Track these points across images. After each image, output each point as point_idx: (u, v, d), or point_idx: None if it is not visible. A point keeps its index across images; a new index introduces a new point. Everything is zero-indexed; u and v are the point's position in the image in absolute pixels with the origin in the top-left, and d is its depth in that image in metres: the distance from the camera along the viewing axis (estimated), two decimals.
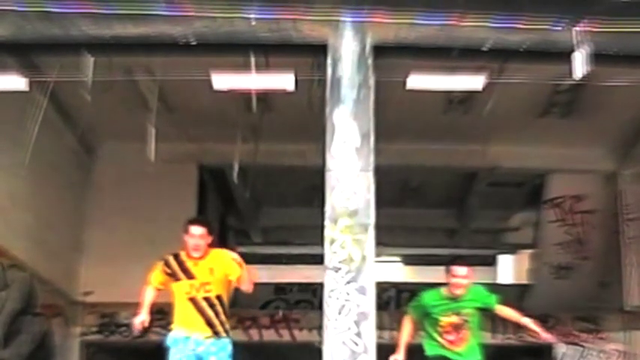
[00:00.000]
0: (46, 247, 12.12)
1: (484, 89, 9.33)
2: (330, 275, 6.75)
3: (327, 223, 6.85)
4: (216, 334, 6.36)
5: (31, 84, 8.88)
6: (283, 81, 8.88)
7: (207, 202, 15.19)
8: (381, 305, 13.74)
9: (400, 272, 20.87)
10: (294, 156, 13.45)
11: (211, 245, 6.53)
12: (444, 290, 7.06)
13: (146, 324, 6.31)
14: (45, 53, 8.27)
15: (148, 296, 6.49)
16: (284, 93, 9.45)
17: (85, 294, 13.44)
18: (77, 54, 7.63)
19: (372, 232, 6.85)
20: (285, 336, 14.79)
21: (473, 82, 9.04)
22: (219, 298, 6.39)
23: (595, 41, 7.09)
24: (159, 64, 9.59)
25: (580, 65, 7.11)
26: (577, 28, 7.09)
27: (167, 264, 6.50)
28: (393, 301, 18.92)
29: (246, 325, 14.75)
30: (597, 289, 14.97)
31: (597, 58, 7.08)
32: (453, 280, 6.94)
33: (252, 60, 7.87)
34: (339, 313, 6.67)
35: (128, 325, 5.90)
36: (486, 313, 7.29)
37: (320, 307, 6.98)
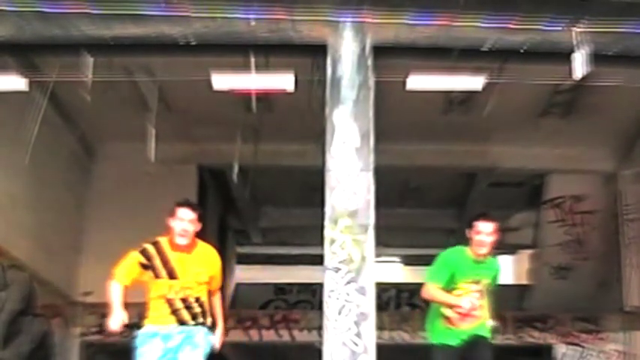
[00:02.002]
0: (46, 247, 12.12)
1: (484, 89, 9.33)
2: (329, 275, 6.74)
3: (327, 223, 6.85)
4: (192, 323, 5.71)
5: (31, 84, 8.88)
6: (283, 81, 8.87)
7: (207, 203, 15.18)
8: (381, 306, 13.80)
9: (400, 272, 20.89)
10: (294, 156, 13.46)
11: (199, 236, 5.84)
12: (466, 250, 6.17)
13: (126, 321, 5.49)
14: (45, 53, 8.27)
15: (118, 294, 5.58)
16: (284, 93, 9.45)
17: (85, 294, 13.42)
18: (77, 54, 7.64)
19: (371, 233, 6.85)
20: (285, 336, 14.78)
21: (473, 82, 9.03)
22: (197, 299, 5.68)
23: (595, 42, 7.10)
24: (159, 65, 9.59)
25: (580, 65, 7.11)
26: (577, 29, 7.10)
27: (146, 255, 5.67)
28: (392, 301, 18.96)
29: (246, 325, 14.73)
30: (597, 290, 14.97)
31: (597, 58, 7.08)
32: (477, 238, 6.07)
33: (252, 60, 7.87)
34: (339, 314, 6.67)
35: (128, 326, 5.58)
36: None
37: (320, 307, 6.98)
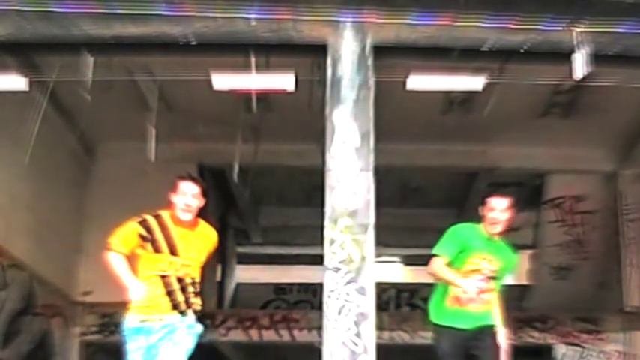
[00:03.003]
0: (46, 247, 12.12)
1: (484, 90, 9.33)
2: (329, 275, 6.74)
3: (326, 223, 6.84)
4: (179, 312, 5.33)
5: (31, 84, 8.88)
6: (283, 81, 8.88)
7: (207, 202, 15.16)
8: (381, 305, 13.81)
9: (400, 272, 20.88)
10: (294, 156, 13.46)
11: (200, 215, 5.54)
12: (479, 226, 5.81)
13: (144, 290, 5.17)
14: (45, 53, 8.27)
15: (124, 264, 5.25)
16: (284, 93, 9.45)
17: (85, 294, 13.44)
18: (77, 54, 7.63)
19: (371, 233, 6.84)
20: (285, 336, 14.78)
21: (473, 82, 9.04)
22: (193, 282, 5.37)
23: (595, 42, 7.10)
24: (159, 64, 9.59)
25: (580, 66, 7.11)
26: (577, 29, 7.09)
27: (145, 226, 5.31)
28: (392, 301, 18.97)
29: (246, 325, 14.74)
30: (597, 290, 14.97)
31: (597, 58, 7.08)
32: (490, 215, 5.68)
33: (253, 60, 7.86)
34: (339, 314, 6.66)
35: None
36: None
37: (320, 307, 6.98)
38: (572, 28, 7.10)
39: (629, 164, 14.03)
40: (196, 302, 5.38)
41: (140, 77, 10.29)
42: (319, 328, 7.01)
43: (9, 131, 10.49)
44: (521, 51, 7.38)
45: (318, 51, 7.43)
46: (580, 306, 14.72)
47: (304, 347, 13.35)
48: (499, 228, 5.73)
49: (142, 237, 5.29)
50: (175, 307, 5.26)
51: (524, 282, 17.07)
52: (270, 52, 7.83)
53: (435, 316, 5.91)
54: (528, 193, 16.21)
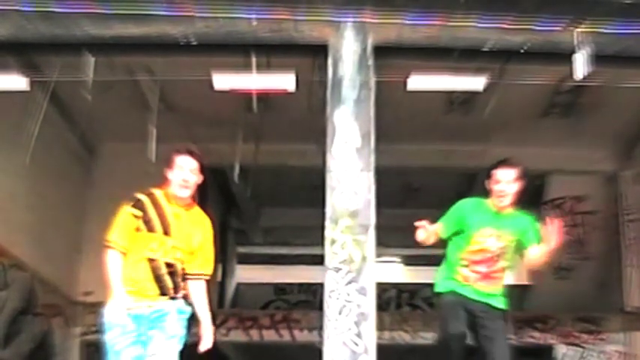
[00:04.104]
0: (47, 247, 12.12)
1: (485, 90, 9.33)
2: (330, 276, 6.74)
3: (327, 223, 6.84)
4: (170, 298, 4.98)
5: (31, 83, 8.89)
6: (284, 81, 8.88)
7: (208, 202, 15.18)
8: (382, 306, 13.79)
9: (400, 273, 20.89)
10: (294, 156, 13.46)
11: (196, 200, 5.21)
12: (486, 200, 5.55)
13: (130, 304, 4.78)
14: (46, 53, 8.27)
15: (119, 269, 4.85)
16: (285, 93, 9.45)
17: (85, 294, 13.41)
18: (78, 54, 7.64)
19: (372, 233, 6.84)
20: (286, 336, 14.77)
21: (474, 82, 9.04)
22: (183, 272, 5.01)
23: (596, 42, 7.10)
24: (160, 64, 9.60)
25: (581, 66, 7.11)
26: (578, 29, 7.09)
27: (139, 206, 4.96)
28: (393, 301, 18.97)
29: (247, 325, 14.73)
30: (597, 290, 14.97)
31: (598, 59, 7.08)
32: (496, 188, 5.41)
33: (253, 60, 7.87)
34: (340, 314, 6.66)
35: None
36: None
37: (320, 307, 6.98)
38: (572, 28, 7.10)
39: (629, 164, 14.03)
40: (185, 286, 5.04)
41: (141, 77, 10.29)
42: (320, 329, 7.01)
43: (9, 131, 10.49)
44: (522, 51, 7.39)
45: (318, 51, 7.43)
46: (580, 306, 14.71)
47: (305, 347, 13.35)
48: (507, 201, 5.46)
49: (137, 217, 4.97)
50: (164, 293, 4.89)
51: (525, 282, 17.08)
52: (270, 52, 7.84)
53: (439, 285, 5.73)
54: (529, 193, 16.21)
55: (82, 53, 7.63)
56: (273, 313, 15.82)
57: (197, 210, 5.16)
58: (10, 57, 8.32)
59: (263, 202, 17.53)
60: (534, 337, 14.59)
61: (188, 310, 5.05)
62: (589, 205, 15.03)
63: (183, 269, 4.99)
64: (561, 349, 14.60)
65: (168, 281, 4.91)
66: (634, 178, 14.02)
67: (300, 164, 13.36)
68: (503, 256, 5.47)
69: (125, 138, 12.73)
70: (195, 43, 7.37)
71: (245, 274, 19.73)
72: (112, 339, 4.80)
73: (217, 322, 14.26)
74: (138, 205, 4.98)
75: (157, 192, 5.03)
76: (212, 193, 15.62)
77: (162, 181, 5.06)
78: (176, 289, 4.96)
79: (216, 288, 17.30)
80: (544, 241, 5.36)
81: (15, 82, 8.61)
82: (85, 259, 13.56)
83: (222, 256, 17.62)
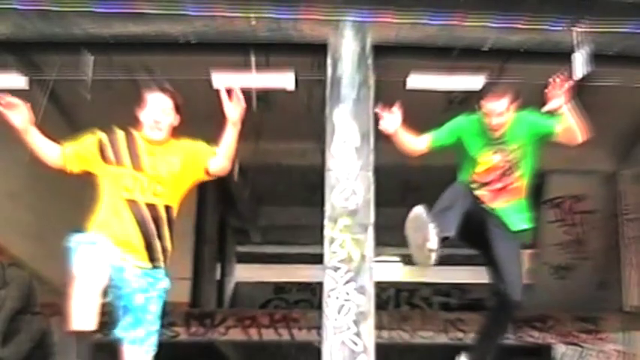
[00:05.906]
0: (46, 245, 12.11)
1: (484, 89, 9.32)
2: (329, 275, 6.74)
3: (326, 222, 6.85)
4: (153, 261, 4.12)
5: (31, 82, 8.89)
6: (283, 80, 8.89)
7: (207, 202, 15.18)
8: (380, 305, 13.80)
9: (399, 272, 20.89)
10: (294, 155, 13.44)
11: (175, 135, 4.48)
12: (483, 121, 5.00)
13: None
14: (45, 52, 8.28)
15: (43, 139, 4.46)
16: (284, 92, 9.46)
17: None
18: (77, 53, 7.65)
19: (371, 232, 6.85)
20: (285, 335, 14.76)
21: (473, 82, 9.04)
22: (168, 210, 4.17)
23: (595, 42, 7.10)
24: (159, 63, 9.58)
25: (580, 66, 7.12)
26: (577, 29, 7.10)
27: (111, 136, 4.35)
28: (392, 300, 18.96)
29: (246, 324, 14.72)
30: (596, 290, 14.97)
31: (597, 58, 7.08)
32: (487, 121, 4.93)
33: (253, 59, 7.87)
34: (339, 313, 6.66)
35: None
36: None
37: (319, 306, 6.98)
38: (572, 28, 7.11)
39: (628, 164, 14.02)
40: (168, 249, 4.20)
41: (140, 76, 10.28)
42: (319, 328, 7.02)
43: (9, 131, 10.48)
44: (522, 51, 7.39)
45: (318, 50, 7.44)
46: (579, 306, 14.71)
47: (304, 346, 13.35)
48: (502, 129, 4.97)
49: (101, 148, 4.38)
50: (148, 247, 4.11)
51: (524, 281, 17.09)
52: (270, 51, 7.84)
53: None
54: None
55: (82, 52, 7.64)
56: (272, 312, 15.81)
57: (174, 142, 4.47)
58: (9, 56, 8.32)
59: (262, 201, 17.52)
60: (533, 337, 14.58)
61: (166, 282, 4.24)
62: (588, 204, 15.03)
63: (168, 207, 4.21)
64: (560, 349, 14.60)
65: (152, 229, 4.12)
66: (633, 178, 14.01)
67: (300, 163, 13.35)
68: (516, 165, 5.08)
69: None
70: (194, 42, 7.38)
71: (244, 273, 19.73)
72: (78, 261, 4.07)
73: (216, 321, 14.29)
74: (110, 133, 4.38)
75: (135, 132, 4.35)
76: (211, 192, 15.62)
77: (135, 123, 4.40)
78: (161, 238, 4.15)
79: (215, 287, 17.31)
80: (556, 112, 5.01)
81: (14, 80, 8.60)
82: None
83: (221, 255, 17.62)
